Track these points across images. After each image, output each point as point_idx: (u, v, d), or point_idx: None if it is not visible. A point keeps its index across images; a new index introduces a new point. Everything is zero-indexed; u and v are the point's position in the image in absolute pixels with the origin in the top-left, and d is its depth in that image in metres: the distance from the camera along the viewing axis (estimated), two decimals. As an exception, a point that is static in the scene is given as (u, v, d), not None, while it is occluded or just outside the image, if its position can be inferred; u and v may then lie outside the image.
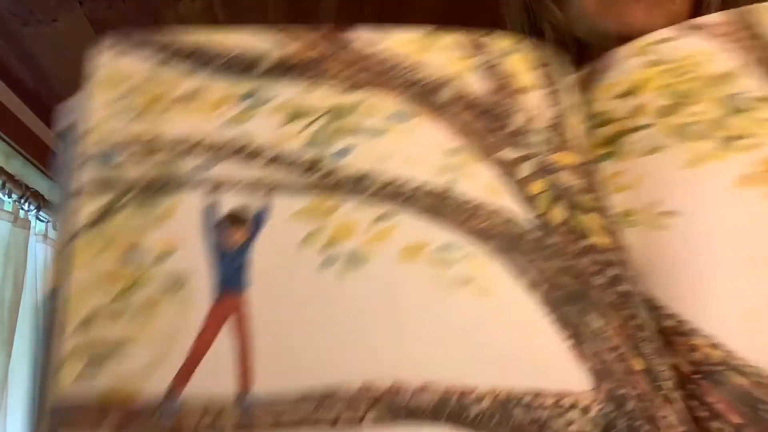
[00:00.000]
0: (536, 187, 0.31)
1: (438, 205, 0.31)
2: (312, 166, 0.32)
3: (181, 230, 0.32)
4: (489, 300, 0.30)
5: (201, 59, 0.33)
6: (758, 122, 0.30)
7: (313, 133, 0.32)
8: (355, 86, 0.32)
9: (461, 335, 0.30)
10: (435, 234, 0.31)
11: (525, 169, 0.31)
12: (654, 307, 0.30)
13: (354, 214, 0.31)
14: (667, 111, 0.31)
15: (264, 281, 0.31)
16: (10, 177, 1.68)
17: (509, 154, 0.31)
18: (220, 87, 0.33)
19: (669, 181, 0.30)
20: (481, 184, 0.31)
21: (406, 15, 1.77)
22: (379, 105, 0.32)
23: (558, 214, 0.31)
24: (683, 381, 0.30)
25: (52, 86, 1.69)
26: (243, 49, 0.33)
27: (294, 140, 0.32)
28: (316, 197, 0.31)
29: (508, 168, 0.31)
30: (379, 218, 0.31)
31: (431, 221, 0.31)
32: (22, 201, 1.74)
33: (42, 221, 1.94)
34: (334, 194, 0.31)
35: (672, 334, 0.30)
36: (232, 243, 0.32)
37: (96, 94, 0.33)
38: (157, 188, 0.32)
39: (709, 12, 0.50)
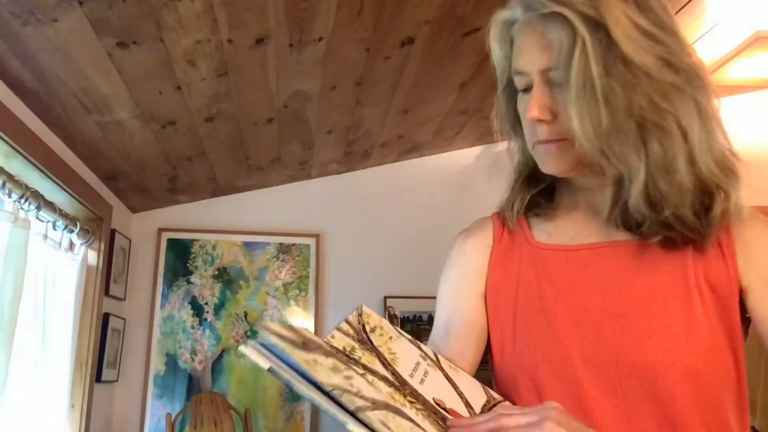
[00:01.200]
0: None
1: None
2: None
3: None
4: None
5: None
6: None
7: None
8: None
9: None
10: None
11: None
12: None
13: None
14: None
15: None
16: (10, 177, 1.68)
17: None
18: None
19: None
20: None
21: (405, 15, 1.77)
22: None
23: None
24: None
25: (52, 86, 1.69)
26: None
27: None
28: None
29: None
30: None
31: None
32: (22, 201, 1.74)
33: (42, 221, 1.95)
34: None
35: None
36: None
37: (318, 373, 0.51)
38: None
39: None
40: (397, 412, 0.52)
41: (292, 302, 2.77)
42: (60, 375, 2.00)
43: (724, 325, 0.69)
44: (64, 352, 2.01)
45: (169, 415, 2.47)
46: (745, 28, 2.36)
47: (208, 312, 2.71)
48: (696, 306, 0.69)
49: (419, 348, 0.67)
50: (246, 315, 2.73)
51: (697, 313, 0.69)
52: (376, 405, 0.51)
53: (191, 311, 2.70)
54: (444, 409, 0.60)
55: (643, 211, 0.69)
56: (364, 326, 0.66)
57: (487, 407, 0.65)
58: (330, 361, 0.53)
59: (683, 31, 0.70)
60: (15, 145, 1.63)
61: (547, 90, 0.70)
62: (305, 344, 0.54)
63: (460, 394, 0.64)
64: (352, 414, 0.47)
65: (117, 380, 2.54)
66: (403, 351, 0.65)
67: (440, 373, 0.65)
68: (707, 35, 2.37)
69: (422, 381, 0.62)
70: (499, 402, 0.67)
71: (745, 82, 2.87)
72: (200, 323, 2.69)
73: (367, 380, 0.57)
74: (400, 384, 0.60)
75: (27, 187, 1.76)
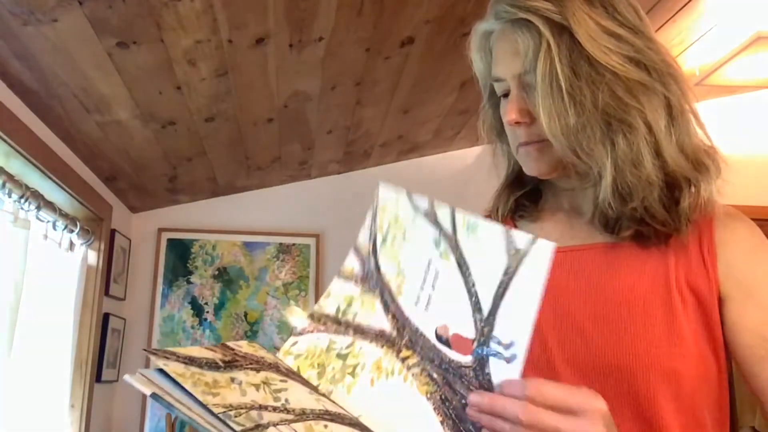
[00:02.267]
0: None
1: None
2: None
3: None
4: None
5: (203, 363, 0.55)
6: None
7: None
8: (259, 369, 0.58)
9: None
10: None
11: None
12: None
13: None
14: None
15: None
16: (10, 177, 1.68)
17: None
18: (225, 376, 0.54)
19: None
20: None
21: (405, 15, 1.77)
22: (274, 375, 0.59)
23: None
24: None
25: (52, 86, 1.69)
26: (208, 355, 0.56)
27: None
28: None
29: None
30: None
31: None
32: (22, 201, 1.74)
33: (42, 221, 1.95)
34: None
35: None
36: None
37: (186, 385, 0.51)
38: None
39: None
40: (336, 418, 0.53)
41: (292, 302, 2.78)
42: (60, 375, 2.00)
43: (705, 328, 0.70)
44: (64, 352, 2.01)
45: (169, 415, 2.47)
46: (745, 28, 2.36)
47: (208, 312, 2.71)
48: (677, 309, 0.70)
49: (436, 223, 0.61)
50: (246, 315, 2.74)
51: (678, 316, 0.69)
52: (304, 416, 0.51)
53: (191, 311, 2.70)
54: (447, 340, 0.58)
55: (614, 206, 0.71)
56: (375, 240, 0.67)
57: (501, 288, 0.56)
58: (260, 376, 0.54)
59: (653, 31, 0.73)
60: (15, 145, 1.63)
61: (524, 94, 0.73)
62: (231, 363, 0.54)
63: (470, 290, 0.58)
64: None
65: (117, 380, 2.54)
66: (414, 253, 0.62)
67: (452, 261, 0.59)
68: (707, 36, 2.37)
69: (428, 303, 0.60)
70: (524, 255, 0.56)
71: (744, 83, 2.87)
72: (200, 323, 2.69)
73: (353, 352, 0.60)
74: (398, 331, 0.60)
75: (27, 187, 1.76)
